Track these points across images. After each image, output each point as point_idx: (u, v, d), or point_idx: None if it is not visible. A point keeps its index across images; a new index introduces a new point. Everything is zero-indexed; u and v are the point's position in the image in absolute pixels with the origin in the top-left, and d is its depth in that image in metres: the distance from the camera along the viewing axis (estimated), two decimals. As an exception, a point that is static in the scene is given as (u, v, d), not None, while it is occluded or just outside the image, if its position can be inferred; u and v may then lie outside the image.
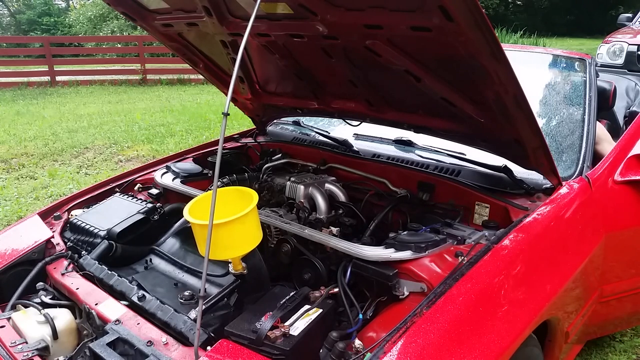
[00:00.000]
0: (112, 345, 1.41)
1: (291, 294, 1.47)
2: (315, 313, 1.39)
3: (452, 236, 1.70)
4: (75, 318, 1.66)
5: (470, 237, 1.69)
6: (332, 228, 1.84)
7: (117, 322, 1.49)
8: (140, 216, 2.06)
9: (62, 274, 1.78)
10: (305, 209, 2.03)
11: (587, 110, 2.25)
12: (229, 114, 1.21)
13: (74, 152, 6.42)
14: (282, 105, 2.56)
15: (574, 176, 1.96)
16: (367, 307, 1.52)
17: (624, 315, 2.25)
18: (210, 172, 2.48)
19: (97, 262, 1.81)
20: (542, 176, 1.88)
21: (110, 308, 1.57)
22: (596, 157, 2.11)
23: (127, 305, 1.58)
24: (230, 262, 1.53)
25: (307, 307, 1.43)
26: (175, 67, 12.56)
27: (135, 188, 2.41)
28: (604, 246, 1.88)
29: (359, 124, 2.34)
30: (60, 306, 1.70)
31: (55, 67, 12.39)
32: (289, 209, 2.10)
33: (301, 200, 2.10)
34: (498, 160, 1.94)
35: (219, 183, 2.27)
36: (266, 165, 2.51)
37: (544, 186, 1.89)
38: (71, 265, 1.82)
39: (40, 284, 1.79)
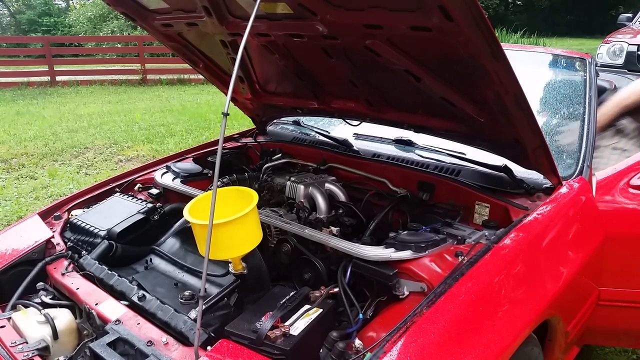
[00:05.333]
0: (112, 345, 1.41)
1: (291, 294, 1.47)
2: (315, 313, 1.39)
3: (452, 236, 1.70)
4: (76, 318, 1.66)
5: (470, 237, 1.69)
6: (332, 228, 1.84)
7: (117, 322, 1.49)
8: (140, 216, 2.06)
9: (62, 274, 1.78)
10: (306, 209, 2.03)
11: (587, 110, 2.25)
12: (229, 114, 1.21)
13: (74, 152, 6.42)
14: (282, 105, 2.56)
15: (574, 176, 1.95)
16: (367, 306, 1.52)
17: (625, 327, 2.15)
18: (210, 172, 2.48)
19: (97, 262, 1.81)
20: (542, 176, 1.88)
21: (110, 308, 1.57)
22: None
23: (127, 305, 1.58)
24: (230, 262, 1.53)
25: (307, 307, 1.43)
26: (175, 67, 12.56)
27: (135, 188, 2.41)
28: (604, 246, 1.87)
29: (359, 124, 2.34)
30: (61, 306, 1.70)
31: (55, 67, 12.39)
32: (289, 209, 2.10)
33: (301, 200, 2.10)
34: (498, 160, 1.94)
35: (219, 183, 2.27)
36: (266, 165, 2.51)
37: (544, 186, 1.89)
38: (71, 265, 1.82)
39: (40, 284, 1.79)
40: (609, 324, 2.06)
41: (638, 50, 7.44)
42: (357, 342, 1.31)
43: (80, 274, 1.78)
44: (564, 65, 2.83)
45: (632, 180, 1.98)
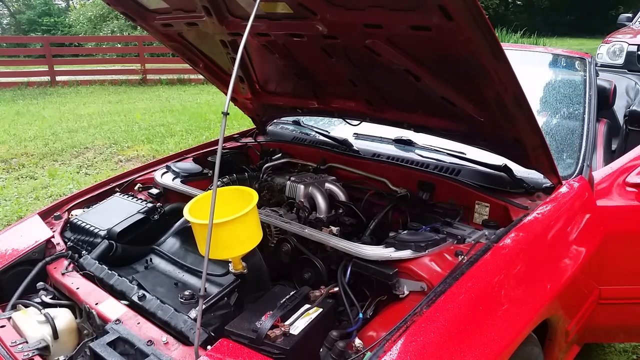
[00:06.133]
0: (112, 344, 1.41)
1: (291, 294, 1.47)
2: (315, 312, 1.39)
3: (452, 235, 1.70)
4: (76, 318, 1.66)
5: (470, 236, 1.69)
6: (332, 227, 1.84)
7: (117, 322, 1.49)
8: (141, 216, 2.06)
9: (63, 274, 1.78)
10: (306, 209, 2.03)
11: (587, 109, 2.25)
12: (228, 114, 1.22)
13: (74, 152, 6.42)
14: (282, 104, 2.56)
15: (574, 175, 1.96)
16: (367, 306, 1.52)
17: (625, 324, 2.17)
18: (210, 171, 2.48)
19: (97, 262, 1.81)
20: (542, 175, 1.88)
21: (110, 308, 1.57)
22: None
23: (127, 305, 1.58)
24: (230, 262, 1.53)
25: (307, 306, 1.43)
26: (175, 67, 12.57)
27: (136, 188, 2.41)
28: (604, 246, 1.87)
29: (359, 124, 2.34)
30: (61, 306, 1.70)
31: (55, 67, 12.39)
32: (289, 209, 2.10)
33: (301, 200, 2.10)
34: (498, 160, 1.94)
35: (219, 183, 2.27)
36: (266, 165, 2.51)
37: (544, 185, 1.89)
38: (71, 265, 1.82)
39: (40, 284, 1.79)
40: (610, 322, 2.07)
41: (638, 50, 7.43)
42: (357, 342, 1.31)
43: (80, 274, 1.78)
44: (564, 65, 2.83)
45: (628, 178, 1.98)
